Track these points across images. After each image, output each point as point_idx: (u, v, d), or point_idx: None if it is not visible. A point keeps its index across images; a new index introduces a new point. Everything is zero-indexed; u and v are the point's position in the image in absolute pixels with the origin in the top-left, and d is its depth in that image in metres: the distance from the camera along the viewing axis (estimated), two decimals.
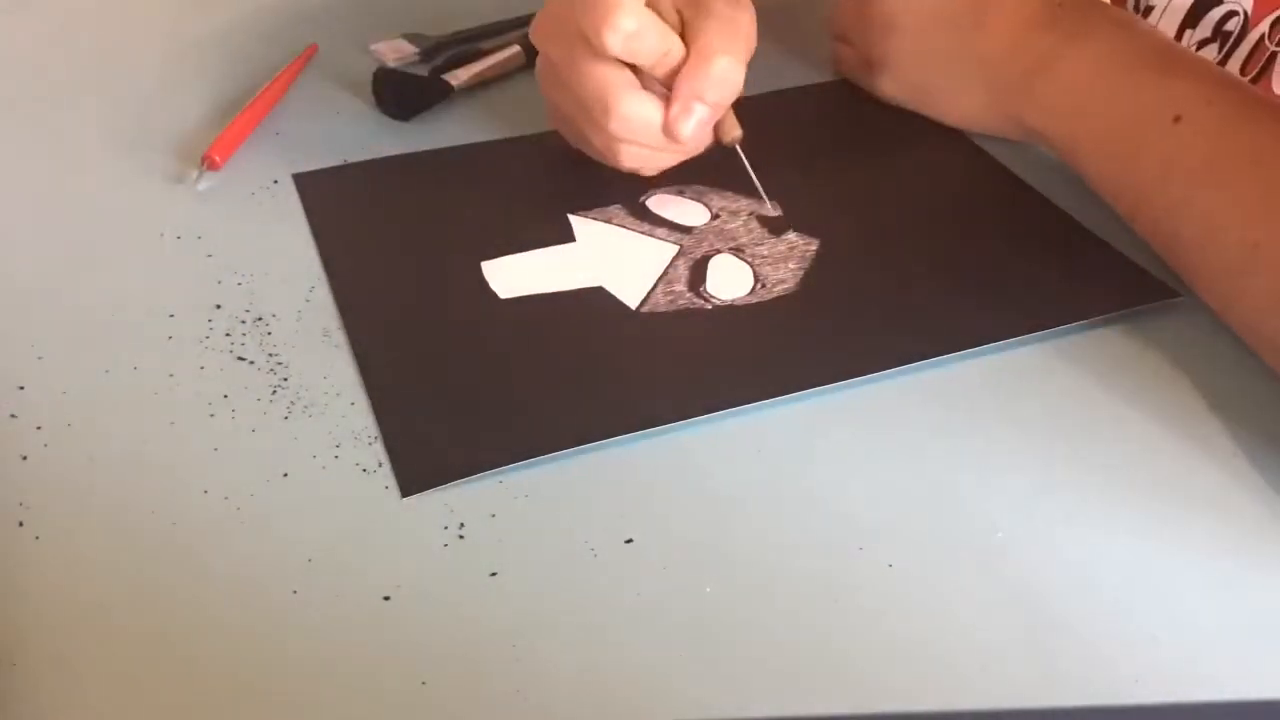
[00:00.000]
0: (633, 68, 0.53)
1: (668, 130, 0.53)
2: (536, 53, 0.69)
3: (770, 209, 0.56)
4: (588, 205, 0.57)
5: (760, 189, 0.56)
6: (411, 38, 0.71)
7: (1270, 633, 0.39)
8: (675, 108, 0.53)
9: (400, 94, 0.65)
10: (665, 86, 0.54)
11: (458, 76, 0.67)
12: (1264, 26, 0.60)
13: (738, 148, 0.56)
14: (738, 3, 0.55)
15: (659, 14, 0.53)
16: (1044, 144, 0.59)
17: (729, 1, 0.55)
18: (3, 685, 0.37)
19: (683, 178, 0.57)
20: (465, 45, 0.70)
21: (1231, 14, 0.61)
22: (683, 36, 0.54)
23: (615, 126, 0.53)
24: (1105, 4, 0.60)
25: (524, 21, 0.72)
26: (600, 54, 0.52)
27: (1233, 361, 0.49)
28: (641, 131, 0.54)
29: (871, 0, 0.63)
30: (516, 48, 0.69)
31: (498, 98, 0.67)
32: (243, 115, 0.63)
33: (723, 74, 0.53)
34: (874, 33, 0.64)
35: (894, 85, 0.64)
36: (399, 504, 0.43)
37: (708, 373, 0.48)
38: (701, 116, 0.53)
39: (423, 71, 0.68)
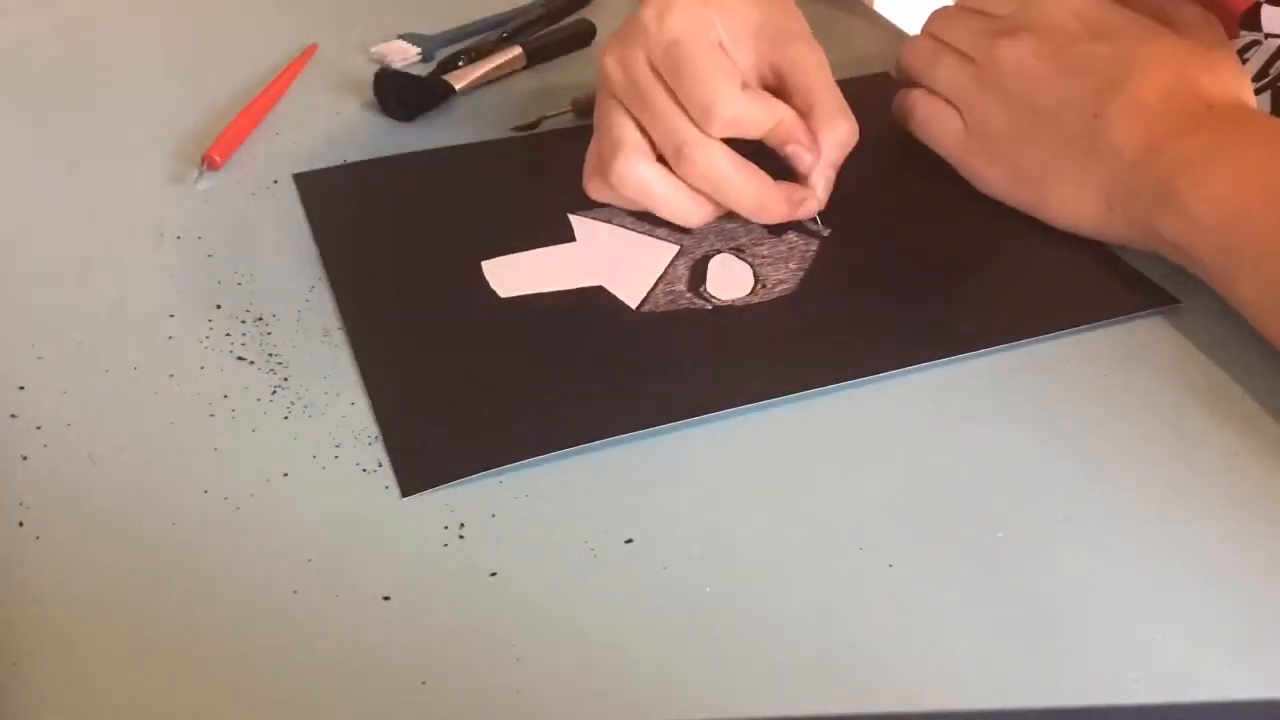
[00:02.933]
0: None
1: (809, 184, 0.54)
2: (537, 53, 0.70)
3: (823, 231, 0.56)
4: (588, 205, 0.57)
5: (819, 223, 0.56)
6: (411, 38, 0.71)
7: (1270, 633, 0.39)
8: (817, 177, 0.54)
9: (402, 95, 0.65)
10: (780, 150, 0.53)
11: (459, 78, 0.67)
12: None
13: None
14: (813, 44, 0.55)
15: (750, 69, 0.54)
16: (1182, 258, 0.51)
17: (808, 42, 0.55)
18: (4, 685, 0.37)
19: None
20: (465, 42, 0.70)
21: None
22: (778, 78, 0.55)
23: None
24: (1259, 112, 0.52)
25: (523, 15, 0.73)
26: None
27: (1232, 364, 0.49)
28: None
29: (994, 55, 0.55)
30: (518, 48, 0.69)
31: (499, 98, 0.67)
32: (243, 115, 0.63)
33: (849, 138, 0.54)
34: (988, 97, 0.56)
35: (994, 170, 0.56)
36: (399, 504, 0.43)
37: (707, 373, 0.48)
38: (830, 177, 0.54)
39: (424, 72, 0.68)
